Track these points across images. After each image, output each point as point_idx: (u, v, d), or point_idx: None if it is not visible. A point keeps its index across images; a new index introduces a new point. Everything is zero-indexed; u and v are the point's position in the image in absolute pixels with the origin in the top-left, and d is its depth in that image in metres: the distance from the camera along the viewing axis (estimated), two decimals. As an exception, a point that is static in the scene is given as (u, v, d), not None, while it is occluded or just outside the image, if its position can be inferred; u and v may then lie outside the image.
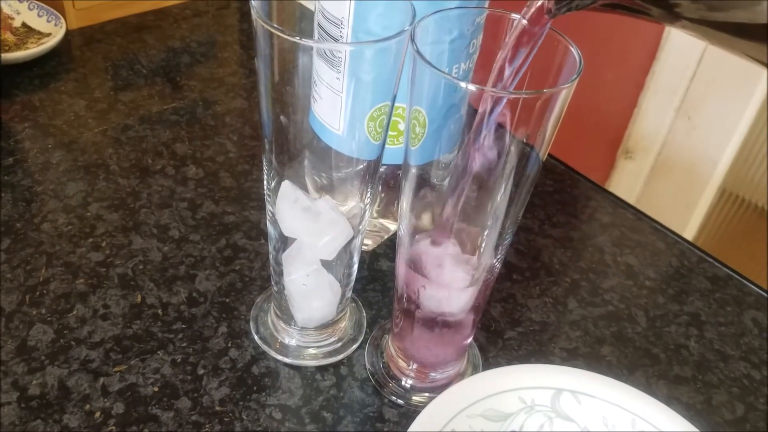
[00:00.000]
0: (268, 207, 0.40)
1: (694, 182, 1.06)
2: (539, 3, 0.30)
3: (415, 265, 0.37)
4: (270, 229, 0.40)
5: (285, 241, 0.39)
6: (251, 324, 0.44)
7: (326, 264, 0.40)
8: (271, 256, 0.41)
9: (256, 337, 0.43)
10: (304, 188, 0.39)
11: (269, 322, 0.44)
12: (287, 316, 0.43)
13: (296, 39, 0.32)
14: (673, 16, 0.27)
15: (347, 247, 0.39)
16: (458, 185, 0.36)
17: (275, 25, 0.32)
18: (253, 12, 0.33)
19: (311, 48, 0.36)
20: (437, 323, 0.38)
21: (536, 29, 0.31)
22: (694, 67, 0.96)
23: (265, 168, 0.38)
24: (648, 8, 0.26)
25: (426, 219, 0.37)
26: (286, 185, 0.38)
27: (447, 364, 0.41)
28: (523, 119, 0.32)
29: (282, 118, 0.36)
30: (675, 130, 1.03)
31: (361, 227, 0.40)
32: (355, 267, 0.42)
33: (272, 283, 0.43)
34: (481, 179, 0.35)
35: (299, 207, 0.38)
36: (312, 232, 0.38)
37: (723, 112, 0.97)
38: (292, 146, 0.37)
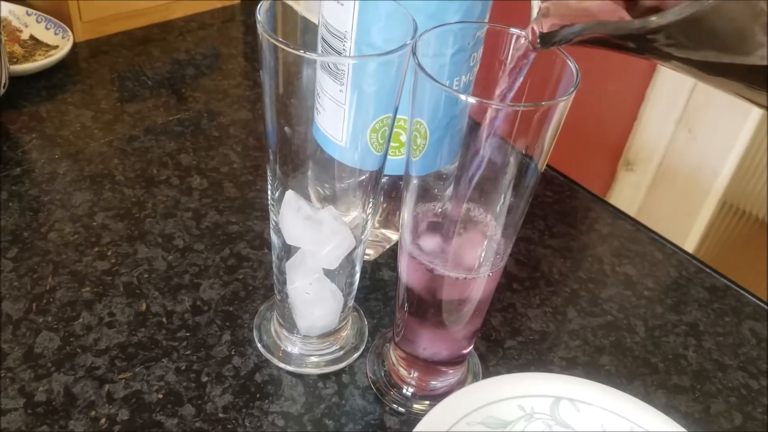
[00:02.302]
0: (272, 216, 0.40)
1: (694, 194, 1.07)
2: (525, 39, 0.32)
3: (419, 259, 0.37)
4: (273, 238, 0.41)
5: (288, 250, 0.40)
6: (254, 332, 0.45)
7: (328, 273, 0.40)
8: (274, 265, 0.42)
9: (259, 345, 0.44)
10: (308, 198, 0.40)
11: (272, 330, 0.45)
12: (290, 325, 0.43)
13: (300, 52, 0.33)
14: (652, 52, 0.27)
15: (349, 257, 0.40)
16: (460, 194, 0.36)
17: (280, 39, 0.33)
18: (258, 26, 0.33)
19: (315, 61, 0.37)
20: (438, 322, 0.39)
21: (523, 60, 0.32)
22: (695, 80, 0.96)
23: (269, 178, 0.39)
24: (626, 44, 0.27)
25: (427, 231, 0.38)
26: (290, 194, 0.39)
27: (447, 373, 0.42)
28: (521, 131, 0.32)
29: (286, 129, 0.37)
30: (675, 141, 1.03)
31: (363, 237, 0.41)
32: (357, 276, 0.42)
33: (275, 291, 0.43)
34: (480, 189, 0.36)
35: (302, 216, 0.38)
36: (315, 240, 0.39)
37: (723, 123, 0.98)
38: (296, 157, 0.38)
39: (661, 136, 1.05)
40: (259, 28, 0.33)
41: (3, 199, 0.52)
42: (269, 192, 0.40)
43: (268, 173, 0.39)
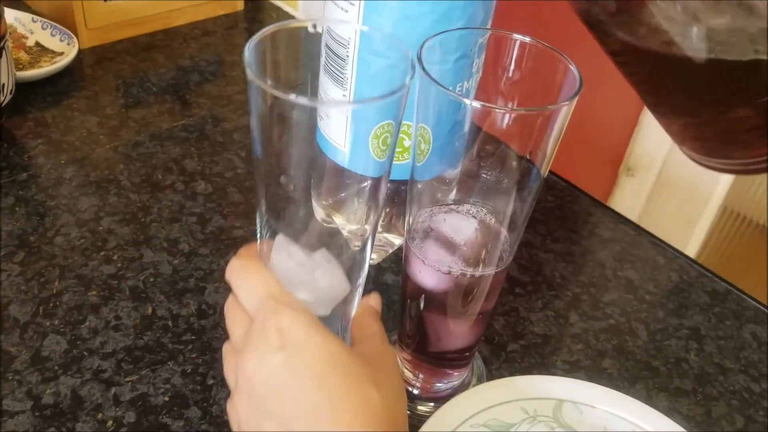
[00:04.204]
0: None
1: (695, 200, 1.07)
2: None
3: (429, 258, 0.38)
4: None
5: None
6: None
7: (323, 318, 0.36)
8: None
9: None
10: (297, 238, 0.35)
11: None
12: None
13: (292, 97, 0.28)
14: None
15: (345, 300, 0.36)
16: (464, 198, 0.37)
17: (270, 83, 0.29)
18: (247, 71, 0.29)
19: (312, 108, 0.31)
20: (443, 323, 0.39)
21: None
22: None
23: (258, 225, 0.36)
24: None
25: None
26: (280, 239, 0.35)
27: (452, 375, 0.42)
28: (524, 136, 0.33)
29: (282, 178, 0.33)
30: (676, 148, 1.03)
31: (360, 281, 0.37)
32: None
33: None
34: (484, 192, 0.36)
35: (294, 262, 0.35)
36: (308, 288, 0.35)
37: (723, 130, 0.98)
38: (287, 204, 0.35)
39: (661, 143, 1.05)
40: (249, 74, 0.29)
41: (10, 204, 0.52)
42: (258, 241, 0.36)
43: (257, 218, 0.35)
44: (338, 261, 0.36)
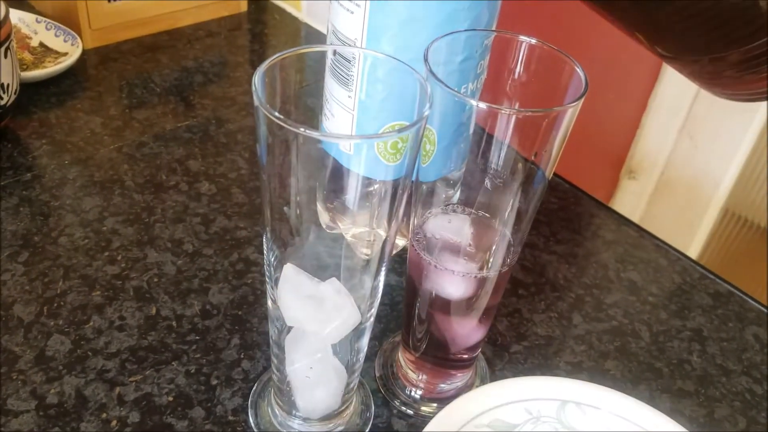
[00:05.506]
0: (270, 292, 0.36)
1: (696, 202, 1.07)
2: None
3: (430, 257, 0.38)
4: (271, 308, 0.37)
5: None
6: (250, 412, 0.41)
7: (333, 345, 0.37)
8: (272, 340, 0.38)
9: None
10: (306, 269, 0.35)
11: (269, 411, 0.41)
12: (288, 407, 0.40)
13: (301, 131, 0.29)
14: None
15: (355, 330, 0.37)
16: (468, 199, 0.37)
17: (278, 115, 0.28)
18: (255, 98, 0.29)
19: (318, 141, 0.32)
20: (448, 322, 0.39)
21: None
22: (697, 88, 0.97)
23: (266, 254, 0.36)
24: None
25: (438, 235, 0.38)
26: (289, 269, 0.35)
27: (455, 376, 0.42)
28: (530, 137, 0.33)
29: (285, 208, 0.33)
30: (677, 150, 1.04)
31: (371, 312, 0.37)
32: (363, 354, 0.38)
33: (273, 369, 0.39)
34: (489, 194, 0.36)
35: (303, 294, 0.35)
36: (318, 320, 0.35)
37: (725, 132, 0.98)
38: (295, 232, 0.34)
39: (663, 145, 1.05)
40: (256, 101, 0.29)
41: (14, 204, 0.53)
42: (266, 269, 0.36)
43: (264, 243, 0.35)
44: (348, 291, 0.35)
